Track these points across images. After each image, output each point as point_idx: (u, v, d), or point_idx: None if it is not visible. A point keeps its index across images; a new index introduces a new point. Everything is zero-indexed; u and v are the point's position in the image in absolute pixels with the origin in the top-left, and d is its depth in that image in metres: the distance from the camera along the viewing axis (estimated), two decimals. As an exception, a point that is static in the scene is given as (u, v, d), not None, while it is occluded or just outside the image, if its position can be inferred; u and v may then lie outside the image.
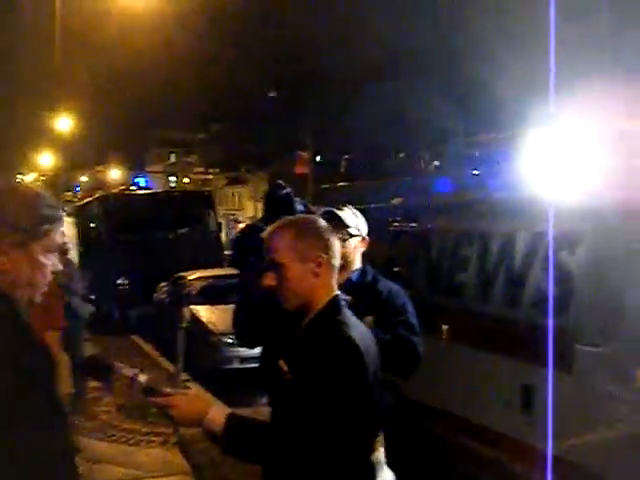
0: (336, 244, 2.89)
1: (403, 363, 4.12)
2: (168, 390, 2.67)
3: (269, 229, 2.98)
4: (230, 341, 10.58)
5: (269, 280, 2.89)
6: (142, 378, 2.60)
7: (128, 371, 2.62)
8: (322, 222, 2.98)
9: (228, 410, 2.67)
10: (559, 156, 4.36)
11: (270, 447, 2.65)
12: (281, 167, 30.56)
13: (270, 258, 2.84)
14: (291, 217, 3.28)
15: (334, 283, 2.85)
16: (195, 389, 3.00)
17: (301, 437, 2.57)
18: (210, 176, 51.73)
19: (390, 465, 4.35)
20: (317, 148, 27.88)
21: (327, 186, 7.85)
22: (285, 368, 2.86)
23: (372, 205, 6.43)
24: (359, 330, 2.75)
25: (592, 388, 4.14)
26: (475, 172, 5.84)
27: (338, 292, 2.87)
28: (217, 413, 2.61)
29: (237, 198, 52.64)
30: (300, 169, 27.66)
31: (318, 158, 29.64)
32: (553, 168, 4.48)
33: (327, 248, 2.81)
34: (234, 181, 51.50)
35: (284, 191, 4.15)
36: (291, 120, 26.58)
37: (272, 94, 27.84)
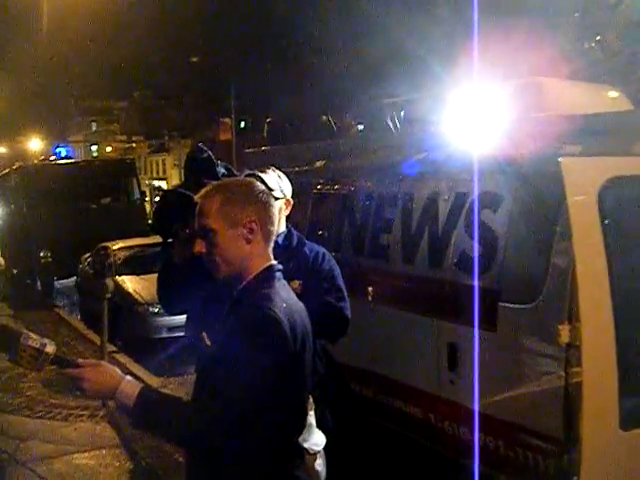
0: (272, 209, 2.77)
1: (332, 328, 4.11)
2: (79, 361, 2.57)
3: (200, 194, 2.86)
4: (157, 310, 10.45)
5: (198, 247, 2.77)
6: (50, 349, 2.48)
7: (35, 341, 2.49)
8: (257, 185, 2.85)
9: (141, 384, 2.59)
10: (478, 116, 4.36)
11: (183, 421, 2.58)
12: (205, 134, 30.24)
13: (199, 224, 2.72)
14: (223, 180, 3.17)
15: (269, 251, 2.76)
16: (104, 363, 2.87)
17: (220, 408, 2.51)
18: (133, 144, 50.80)
19: (320, 427, 4.38)
20: (241, 114, 27.62)
21: (250, 151, 7.77)
22: (207, 340, 2.79)
23: (295, 168, 6.35)
24: (287, 302, 2.68)
25: (516, 345, 4.18)
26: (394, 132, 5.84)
27: (274, 262, 2.77)
28: (129, 386, 2.53)
29: (161, 166, 51.92)
30: (224, 135, 27.35)
31: (242, 124, 29.38)
32: (474, 128, 4.49)
33: (261, 212, 2.68)
34: (158, 149, 50.74)
35: (205, 154, 4.04)
36: (214, 86, 26.22)
37: (194, 59, 27.37)
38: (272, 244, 2.79)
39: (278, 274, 2.75)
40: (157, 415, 2.57)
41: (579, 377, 3.00)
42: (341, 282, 4.21)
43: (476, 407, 4.07)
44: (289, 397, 2.60)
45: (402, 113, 6.47)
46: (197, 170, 3.99)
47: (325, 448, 4.39)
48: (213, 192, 2.74)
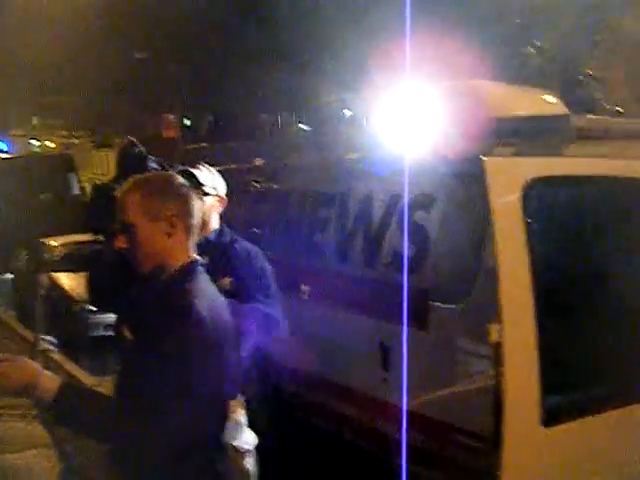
0: (194, 203, 2.74)
1: (260, 328, 4.09)
2: None
3: (121, 188, 2.82)
4: (92, 308, 10.29)
5: (119, 242, 2.74)
6: None
7: None
8: (177, 179, 2.83)
9: (61, 379, 2.55)
10: (412, 117, 4.38)
11: (104, 415, 2.56)
12: (150, 130, 29.91)
13: (120, 219, 2.70)
14: (143, 175, 3.13)
15: (191, 245, 2.74)
16: (22, 358, 2.83)
17: (139, 405, 2.49)
18: (76, 140, 50.00)
19: (252, 427, 4.36)
20: (186, 112, 27.41)
21: (190, 147, 7.70)
22: (128, 335, 2.76)
23: (233, 166, 6.33)
24: (210, 298, 2.66)
25: (447, 344, 4.22)
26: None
27: (197, 257, 2.75)
28: (48, 381, 2.49)
29: (105, 162, 51.19)
30: (168, 132, 27.10)
31: (189, 122, 29.18)
32: (408, 129, 4.51)
33: (181, 206, 2.66)
34: (101, 145, 50.05)
35: (136, 149, 4.00)
36: (159, 83, 25.97)
37: (139, 56, 27.06)
38: (195, 238, 2.77)
39: (200, 269, 2.74)
40: (78, 409, 2.54)
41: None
42: (272, 281, 4.20)
43: (404, 406, 4.08)
44: (209, 389, 2.59)
45: (342, 112, 6.49)
46: (128, 165, 3.94)
47: (257, 447, 4.38)
48: (133, 187, 2.72)
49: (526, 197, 2.81)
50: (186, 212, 2.69)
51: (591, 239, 3.37)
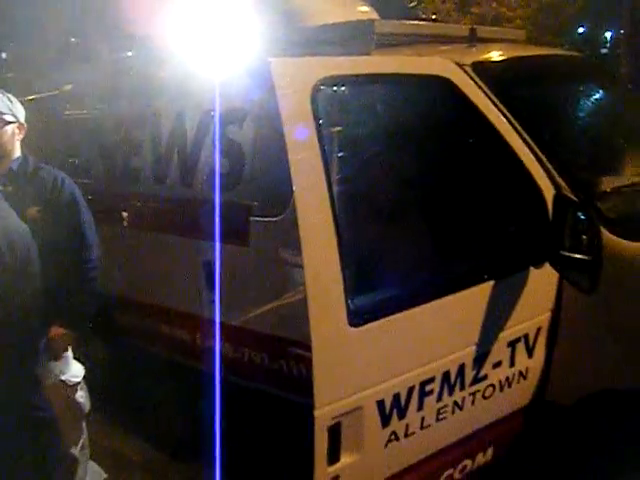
0: None
1: (75, 258, 4.04)
2: None
3: None
4: None
5: None
6: None
7: None
8: None
9: None
10: (219, 29, 4.26)
11: None
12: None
13: None
14: None
15: None
16: None
17: None
18: None
19: (80, 359, 4.27)
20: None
21: (-1, 77, 7.34)
22: None
23: (44, 94, 6.04)
24: (6, 221, 2.62)
25: (268, 257, 4.22)
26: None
27: None
28: None
29: None
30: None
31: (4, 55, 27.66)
32: (214, 42, 4.39)
33: None
34: None
35: None
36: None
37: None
38: None
39: None
40: None
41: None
42: (84, 207, 4.13)
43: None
44: (10, 317, 2.56)
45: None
46: None
47: (87, 378, 4.32)
48: None
49: (315, 97, 2.78)
50: None
51: (387, 138, 3.41)
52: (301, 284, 3.59)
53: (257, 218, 4.29)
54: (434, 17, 7.26)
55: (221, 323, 4.30)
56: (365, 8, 5.53)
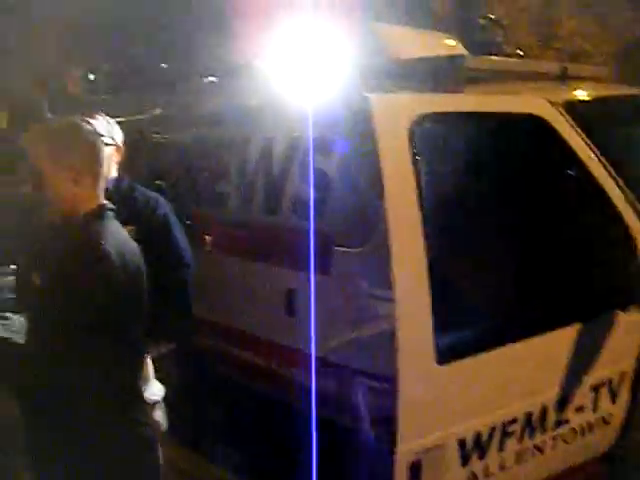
0: (100, 151, 2.80)
1: (171, 272, 4.13)
2: None
3: (28, 137, 2.87)
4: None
5: (28, 189, 2.86)
6: None
7: None
8: (84, 126, 2.86)
9: None
10: (309, 59, 4.32)
11: (19, 364, 2.58)
12: (53, 86, 29.05)
13: (29, 166, 2.78)
14: (50, 124, 3.15)
15: (99, 192, 2.79)
16: None
17: (52, 349, 2.51)
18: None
19: (162, 380, 4.33)
20: (89, 65, 26.70)
21: (88, 99, 7.51)
22: (37, 280, 2.76)
23: (135, 117, 6.18)
24: (120, 241, 2.71)
25: (350, 288, 4.22)
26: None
27: (105, 202, 2.80)
28: None
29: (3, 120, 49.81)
30: (72, 87, 26.37)
31: (92, 77, 28.41)
32: (304, 71, 4.45)
33: (88, 155, 2.73)
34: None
35: (29, 97, 3.96)
36: (62, 36, 25.14)
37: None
38: (103, 185, 2.84)
39: (109, 213, 2.81)
40: None
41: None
42: (178, 226, 4.24)
43: (313, 352, 4.10)
44: (121, 334, 2.63)
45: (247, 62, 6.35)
46: (22, 113, 3.94)
47: (165, 399, 4.37)
48: (40, 134, 2.81)
49: (414, 133, 2.80)
50: (93, 160, 2.76)
51: (481, 176, 3.40)
52: (386, 318, 3.59)
53: (340, 248, 4.29)
54: (520, 53, 7.21)
55: (298, 350, 4.32)
56: (453, 42, 5.55)
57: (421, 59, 4.27)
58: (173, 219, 4.23)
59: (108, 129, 4.17)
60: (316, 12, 4.19)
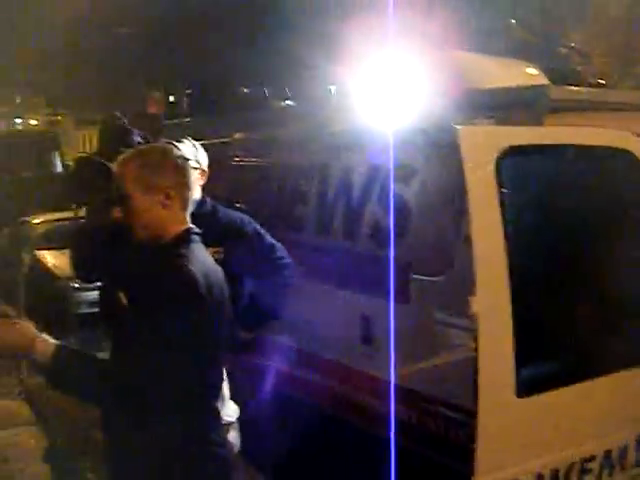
0: (189, 175, 2.83)
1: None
2: None
3: (118, 160, 2.89)
4: (77, 285, 10.21)
5: (116, 213, 2.86)
6: None
7: None
8: (173, 151, 2.90)
9: (56, 342, 2.61)
10: (393, 88, 4.35)
11: (103, 380, 2.61)
12: (134, 107, 29.64)
13: (117, 190, 2.79)
14: (139, 147, 3.19)
15: (186, 216, 2.81)
16: (17, 319, 2.92)
17: (137, 367, 2.54)
18: (59, 117, 49.52)
19: (235, 400, 4.37)
20: (170, 87, 27.18)
21: (171, 122, 7.68)
22: (124, 300, 2.80)
23: (215, 140, 6.28)
24: (204, 263, 2.73)
25: (429, 317, 4.22)
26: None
27: (191, 225, 2.83)
28: (43, 344, 2.56)
29: (88, 139, 50.82)
30: (152, 109, 26.94)
31: (172, 98, 28.97)
32: (389, 100, 4.48)
33: (177, 178, 2.76)
34: (86, 122, 49.58)
35: (119, 122, 4.04)
36: (143, 58, 25.70)
37: (122, 30, 26.79)
38: (190, 209, 2.86)
39: (195, 237, 2.83)
40: (74, 372, 2.61)
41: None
42: (268, 237, 4.28)
43: (392, 379, 4.09)
44: (204, 355, 2.66)
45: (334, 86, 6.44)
46: (112, 138, 3.98)
47: (238, 420, 4.40)
48: (129, 159, 2.83)
49: (500, 165, 2.80)
50: (182, 184, 2.78)
51: (567, 209, 3.37)
52: (464, 348, 3.58)
53: (419, 276, 4.30)
54: (602, 82, 7.11)
55: (375, 378, 4.32)
56: (534, 71, 5.50)
57: (501, 88, 4.26)
58: (262, 230, 4.32)
59: (194, 153, 4.26)
60: (405, 41, 4.21)
